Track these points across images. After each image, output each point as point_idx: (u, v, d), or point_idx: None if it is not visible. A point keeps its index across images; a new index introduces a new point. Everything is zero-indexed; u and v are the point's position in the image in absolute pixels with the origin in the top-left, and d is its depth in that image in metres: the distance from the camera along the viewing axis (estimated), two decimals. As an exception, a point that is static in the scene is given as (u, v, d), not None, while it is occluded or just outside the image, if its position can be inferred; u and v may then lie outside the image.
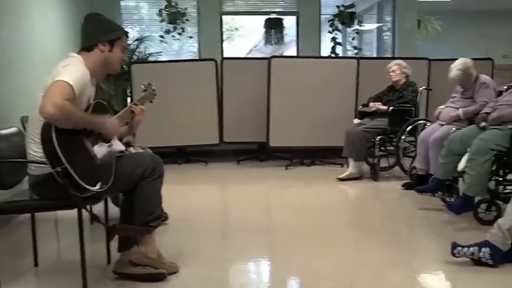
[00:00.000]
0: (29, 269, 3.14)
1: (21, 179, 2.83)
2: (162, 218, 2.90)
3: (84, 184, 2.36)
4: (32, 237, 3.15)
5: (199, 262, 3.16)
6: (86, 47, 2.70)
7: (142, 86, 3.22)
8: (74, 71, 2.49)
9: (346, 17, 7.86)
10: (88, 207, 2.65)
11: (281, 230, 3.96)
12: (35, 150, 2.55)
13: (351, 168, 5.66)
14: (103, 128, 2.59)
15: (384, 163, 5.92)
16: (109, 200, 3.42)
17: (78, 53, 2.71)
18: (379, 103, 5.66)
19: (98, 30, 2.70)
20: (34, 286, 3.02)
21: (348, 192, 5.41)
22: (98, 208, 3.13)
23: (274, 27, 8.46)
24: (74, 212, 2.57)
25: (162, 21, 7.77)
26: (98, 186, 2.45)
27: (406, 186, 5.09)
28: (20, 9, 4.74)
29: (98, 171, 2.52)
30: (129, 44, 7.44)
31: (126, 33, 2.86)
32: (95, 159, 2.52)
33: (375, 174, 5.65)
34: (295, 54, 8.49)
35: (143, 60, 7.42)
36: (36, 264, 3.15)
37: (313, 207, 4.63)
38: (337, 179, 5.63)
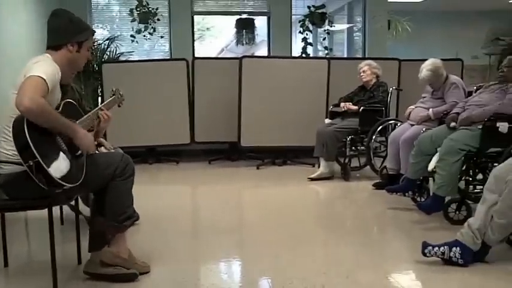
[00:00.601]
0: (-1, 270, 3.08)
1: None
2: (134, 217, 2.86)
3: (56, 178, 2.34)
4: (2, 238, 3.10)
5: (170, 262, 3.13)
6: (53, 46, 2.68)
7: (111, 91, 3.20)
8: (45, 66, 2.49)
9: (316, 18, 7.89)
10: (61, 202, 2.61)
11: (252, 230, 3.96)
12: (6, 148, 2.51)
13: (322, 168, 5.68)
14: (76, 136, 2.55)
15: (354, 163, 5.97)
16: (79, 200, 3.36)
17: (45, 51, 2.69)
18: (350, 103, 5.69)
19: (67, 31, 2.68)
20: (4, 286, 2.95)
21: (319, 191, 5.43)
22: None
23: (245, 27, 8.45)
24: (44, 212, 2.52)
25: (133, 20, 7.69)
26: (70, 182, 2.42)
27: (377, 186, 5.13)
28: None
29: (70, 167, 2.49)
30: (100, 44, 7.36)
31: (94, 32, 2.87)
32: (66, 154, 2.50)
33: (345, 174, 5.68)
34: (266, 54, 8.50)
35: (114, 60, 7.33)
36: (6, 265, 3.10)
37: (285, 207, 4.63)
38: (309, 178, 5.65)
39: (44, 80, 2.39)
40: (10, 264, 3.10)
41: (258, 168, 6.48)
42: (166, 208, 4.58)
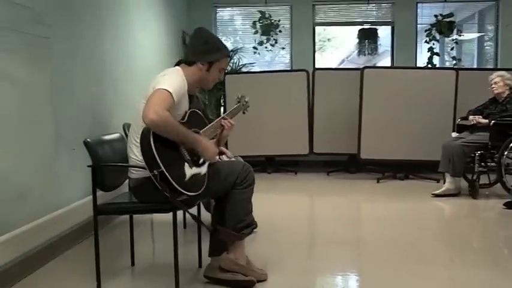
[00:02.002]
0: (126, 268, 3.25)
1: (122, 182, 2.95)
2: (252, 226, 2.90)
3: (179, 188, 2.44)
4: (130, 238, 3.29)
5: (287, 271, 3.12)
6: (187, 62, 2.81)
7: (237, 98, 3.30)
8: (172, 80, 2.61)
9: (444, 27, 7.59)
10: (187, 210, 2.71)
11: (369, 245, 3.83)
12: (136, 154, 2.66)
13: (448, 184, 5.42)
14: (199, 147, 2.63)
15: (484, 180, 5.60)
16: (201, 205, 3.48)
17: (179, 63, 2.84)
18: (480, 116, 5.39)
19: (201, 50, 2.79)
20: (130, 285, 3.11)
21: (444, 208, 5.16)
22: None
23: (367, 37, 8.30)
24: (168, 216, 2.64)
25: (255, 32, 7.90)
26: (192, 191, 2.51)
27: (508, 206, 4.80)
28: (121, 21, 4.95)
29: (192, 176, 2.57)
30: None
31: (228, 55, 2.93)
32: (189, 164, 2.59)
33: (473, 191, 5.36)
34: (388, 64, 8.31)
35: (236, 71, 7.55)
36: (132, 264, 3.28)
37: (406, 223, 4.45)
38: (433, 194, 5.41)
39: (170, 93, 2.51)
40: (136, 264, 3.28)
41: (378, 181, 6.32)
42: (283, 217, 4.61)
